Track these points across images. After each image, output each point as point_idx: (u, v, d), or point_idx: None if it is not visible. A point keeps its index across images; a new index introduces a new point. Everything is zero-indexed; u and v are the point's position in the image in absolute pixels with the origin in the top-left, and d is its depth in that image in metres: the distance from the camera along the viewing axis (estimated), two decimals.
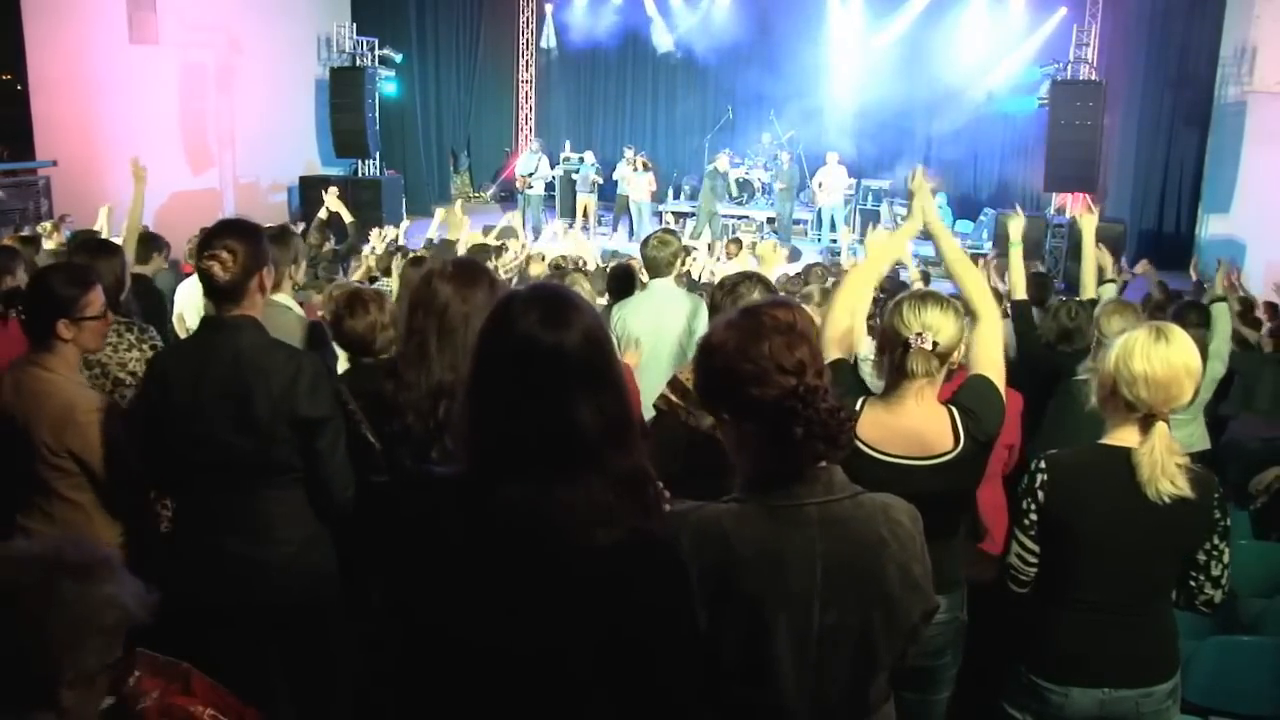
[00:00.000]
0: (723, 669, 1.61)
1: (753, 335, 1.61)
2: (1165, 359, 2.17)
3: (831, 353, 2.45)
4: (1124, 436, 2.24)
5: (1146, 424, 2.21)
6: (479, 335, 1.47)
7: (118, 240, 4.48)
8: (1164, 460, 2.17)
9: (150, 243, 5.61)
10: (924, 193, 2.80)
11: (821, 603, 1.61)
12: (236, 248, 2.42)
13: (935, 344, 2.33)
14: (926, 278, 10.79)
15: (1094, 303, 4.39)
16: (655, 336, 3.99)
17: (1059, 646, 2.29)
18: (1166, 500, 2.17)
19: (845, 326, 2.54)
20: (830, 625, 1.62)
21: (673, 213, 15.68)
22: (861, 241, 14.32)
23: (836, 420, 1.56)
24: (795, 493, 1.62)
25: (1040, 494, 2.27)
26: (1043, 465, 2.29)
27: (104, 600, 1.34)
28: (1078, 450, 2.34)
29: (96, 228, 7.00)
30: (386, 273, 7.26)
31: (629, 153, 15.27)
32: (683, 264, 7.07)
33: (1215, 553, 2.26)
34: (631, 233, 14.76)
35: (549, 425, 1.38)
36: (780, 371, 1.58)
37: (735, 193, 15.25)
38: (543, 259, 8.42)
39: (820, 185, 14.45)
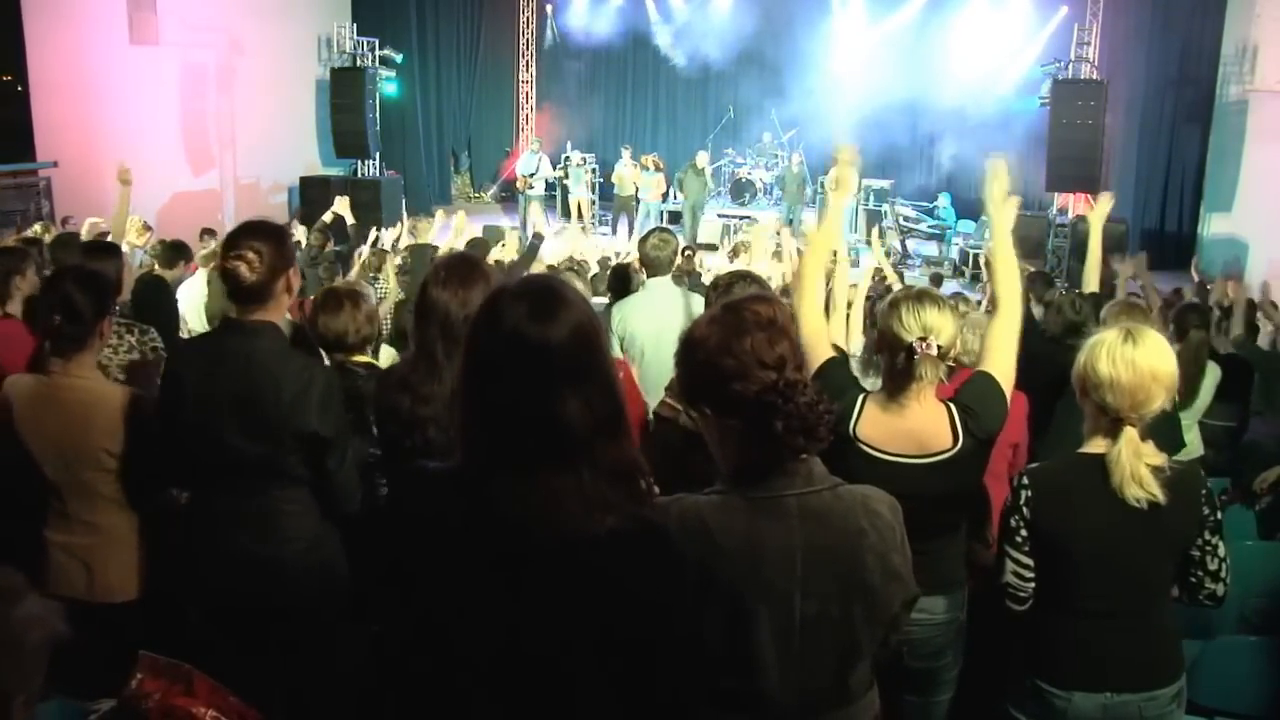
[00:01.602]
0: (706, 659, 1.63)
1: (734, 331, 1.64)
2: (1131, 362, 2.13)
3: (819, 353, 2.44)
4: (1098, 443, 2.22)
5: (1115, 429, 2.17)
6: (470, 327, 1.47)
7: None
8: (1132, 465, 2.13)
9: (178, 250, 5.68)
10: (849, 167, 2.81)
11: (802, 593, 1.63)
12: (263, 248, 2.39)
13: (939, 347, 2.32)
14: (937, 280, 10.79)
15: (1096, 296, 4.36)
16: (657, 335, 3.98)
17: (1061, 651, 2.27)
18: (1143, 505, 2.14)
19: (820, 324, 2.56)
20: (811, 615, 1.64)
21: (671, 212, 15.68)
22: (868, 243, 14.37)
23: (815, 413, 1.59)
24: (775, 485, 1.64)
25: (1026, 510, 2.24)
26: (1025, 481, 2.26)
27: (29, 619, 1.37)
28: (1057, 462, 2.32)
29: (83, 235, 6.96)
30: (378, 271, 7.28)
31: (626, 153, 15.29)
32: (686, 262, 7.05)
33: (1209, 548, 2.23)
34: (631, 232, 14.77)
35: (537, 419, 1.38)
36: (761, 367, 1.61)
37: (709, 186, 15.20)
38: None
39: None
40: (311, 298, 5.61)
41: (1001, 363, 2.44)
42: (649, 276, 4.27)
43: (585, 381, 1.40)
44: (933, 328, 2.33)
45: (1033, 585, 2.27)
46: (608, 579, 1.37)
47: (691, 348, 1.68)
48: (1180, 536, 2.23)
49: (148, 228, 8.09)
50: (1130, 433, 2.15)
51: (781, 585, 1.63)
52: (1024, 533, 2.24)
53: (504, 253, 7.86)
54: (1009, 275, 2.56)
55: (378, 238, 8.87)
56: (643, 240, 4.37)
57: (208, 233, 10.12)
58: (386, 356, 3.48)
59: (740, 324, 1.64)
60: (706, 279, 6.47)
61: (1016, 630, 2.38)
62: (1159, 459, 2.18)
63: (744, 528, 1.63)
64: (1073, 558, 2.23)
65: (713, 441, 1.72)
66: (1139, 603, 2.26)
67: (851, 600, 1.65)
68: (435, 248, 4.55)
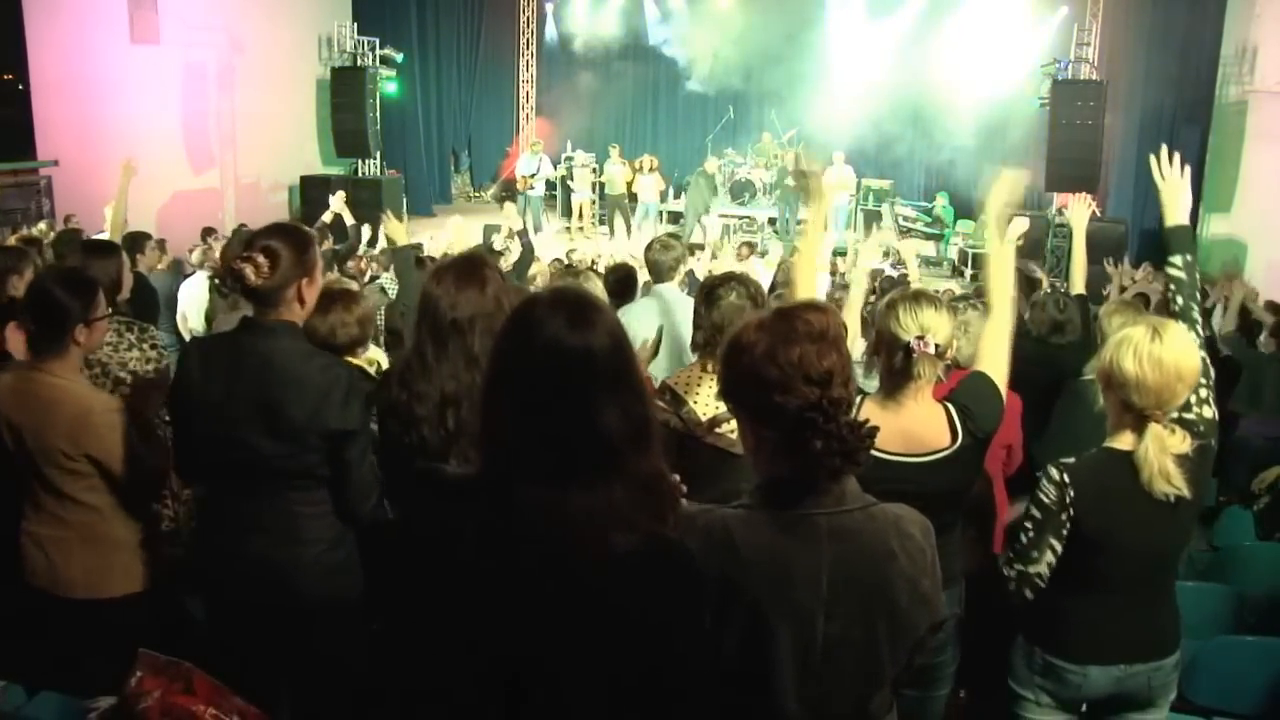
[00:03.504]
0: (724, 674, 1.60)
1: (783, 340, 1.57)
2: (1159, 362, 2.17)
3: None
4: (1125, 439, 2.27)
5: (1140, 425, 2.23)
6: (500, 338, 1.44)
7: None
8: (1159, 461, 2.20)
9: (133, 244, 5.59)
10: (816, 176, 2.89)
11: (826, 614, 1.58)
12: (277, 252, 2.36)
13: (936, 345, 2.34)
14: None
15: (1082, 297, 4.38)
16: (661, 341, 3.97)
17: (1077, 629, 2.33)
18: (1171, 499, 2.21)
19: None
20: (834, 636, 1.59)
21: (669, 212, 15.70)
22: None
23: (856, 436, 1.54)
24: (806, 502, 1.59)
25: (1072, 510, 2.27)
26: (1066, 479, 2.28)
27: None
28: (1090, 459, 2.33)
29: (104, 230, 6.90)
30: (387, 269, 7.31)
31: (614, 152, 15.38)
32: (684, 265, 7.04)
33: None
34: (629, 232, 14.79)
35: (576, 428, 1.37)
36: (805, 381, 1.54)
37: (718, 193, 15.23)
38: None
39: (829, 184, 14.46)
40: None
41: (996, 362, 2.47)
42: (654, 282, 4.27)
43: (622, 390, 1.40)
44: (929, 327, 2.35)
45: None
46: (626, 601, 1.36)
47: (737, 351, 1.61)
48: (1197, 512, 2.34)
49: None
50: (1156, 429, 2.21)
51: (805, 605, 1.58)
52: (1069, 528, 2.27)
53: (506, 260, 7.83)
54: (1003, 277, 2.59)
55: (374, 237, 8.87)
56: (648, 247, 4.36)
57: (209, 232, 10.14)
58: (375, 355, 3.46)
59: (790, 333, 1.57)
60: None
61: (1020, 617, 2.42)
62: (1184, 445, 2.23)
63: (770, 544, 1.58)
64: (1106, 550, 2.29)
65: (746, 446, 1.67)
66: (1154, 581, 2.35)
67: (876, 623, 1.61)
68: (418, 246, 4.55)
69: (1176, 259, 2.58)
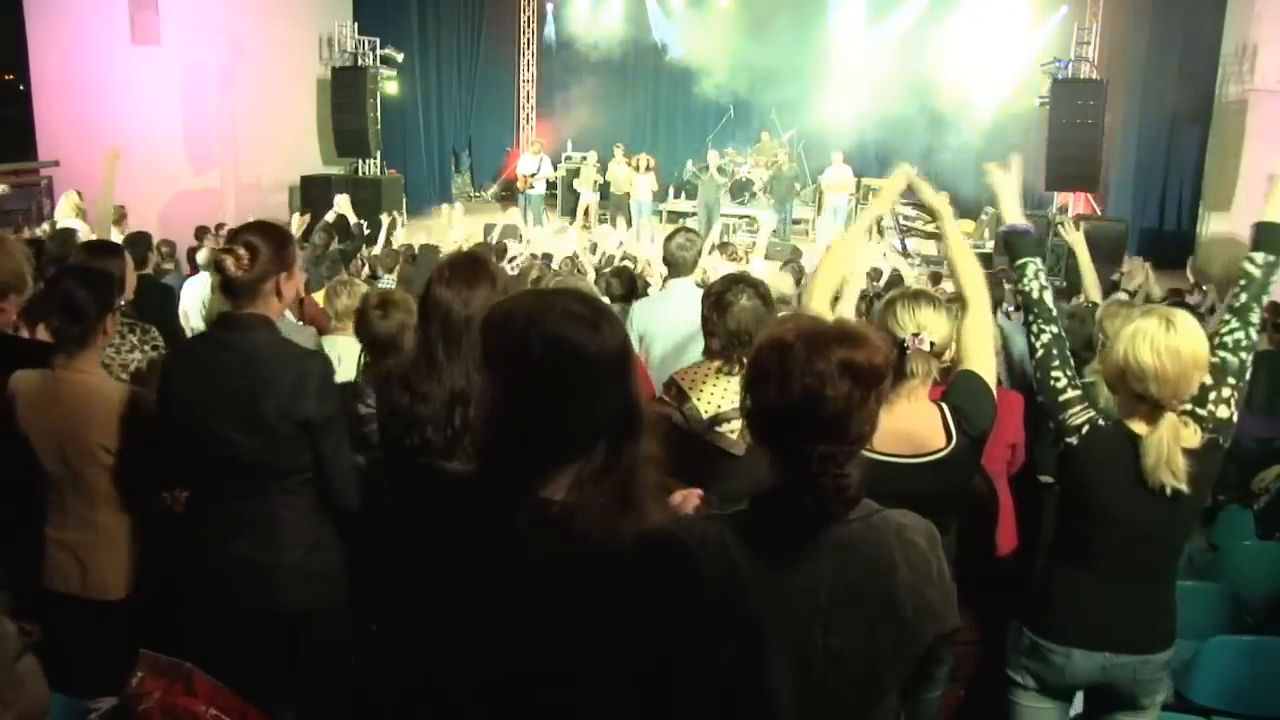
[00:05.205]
0: (719, 689, 1.55)
1: (809, 374, 1.48)
2: (1176, 353, 2.18)
3: None
4: (1135, 423, 2.29)
5: (1155, 414, 2.24)
6: (505, 336, 1.43)
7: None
8: (1170, 451, 2.20)
9: (139, 243, 5.63)
10: (894, 182, 2.98)
11: (825, 626, 1.55)
12: (257, 246, 2.41)
13: (931, 344, 2.34)
14: (937, 278, 10.77)
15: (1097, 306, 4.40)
16: (673, 336, 3.96)
17: (1064, 608, 2.35)
18: (1169, 492, 2.22)
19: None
20: (834, 648, 1.56)
21: (670, 211, 15.69)
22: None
23: (840, 487, 1.50)
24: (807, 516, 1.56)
25: (1068, 464, 2.35)
26: (1074, 443, 2.35)
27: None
28: (1105, 426, 2.36)
29: (59, 218, 6.77)
30: (390, 270, 7.32)
31: (618, 151, 15.38)
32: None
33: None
34: (626, 231, 14.80)
35: (580, 427, 1.39)
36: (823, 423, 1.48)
37: (722, 184, 15.25)
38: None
39: (828, 184, 14.51)
40: (314, 295, 5.64)
41: (982, 360, 2.45)
42: (671, 276, 4.24)
43: (625, 391, 1.42)
44: (926, 325, 2.37)
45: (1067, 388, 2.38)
46: (628, 597, 1.36)
47: (759, 377, 1.54)
48: (1198, 510, 2.34)
49: (123, 216, 8.07)
50: (1171, 418, 2.22)
51: (803, 618, 1.54)
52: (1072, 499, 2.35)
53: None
54: (971, 274, 2.55)
55: (375, 236, 8.90)
56: (667, 240, 4.34)
57: (204, 230, 10.14)
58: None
59: (819, 362, 1.48)
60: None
61: (1016, 593, 2.46)
62: (1194, 439, 2.25)
63: (768, 556, 1.54)
64: (1096, 518, 2.31)
65: (751, 451, 1.66)
66: (1149, 569, 2.34)
67: (878, 636, 1.57)
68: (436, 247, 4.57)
69: (1258, 256, 2.54)
